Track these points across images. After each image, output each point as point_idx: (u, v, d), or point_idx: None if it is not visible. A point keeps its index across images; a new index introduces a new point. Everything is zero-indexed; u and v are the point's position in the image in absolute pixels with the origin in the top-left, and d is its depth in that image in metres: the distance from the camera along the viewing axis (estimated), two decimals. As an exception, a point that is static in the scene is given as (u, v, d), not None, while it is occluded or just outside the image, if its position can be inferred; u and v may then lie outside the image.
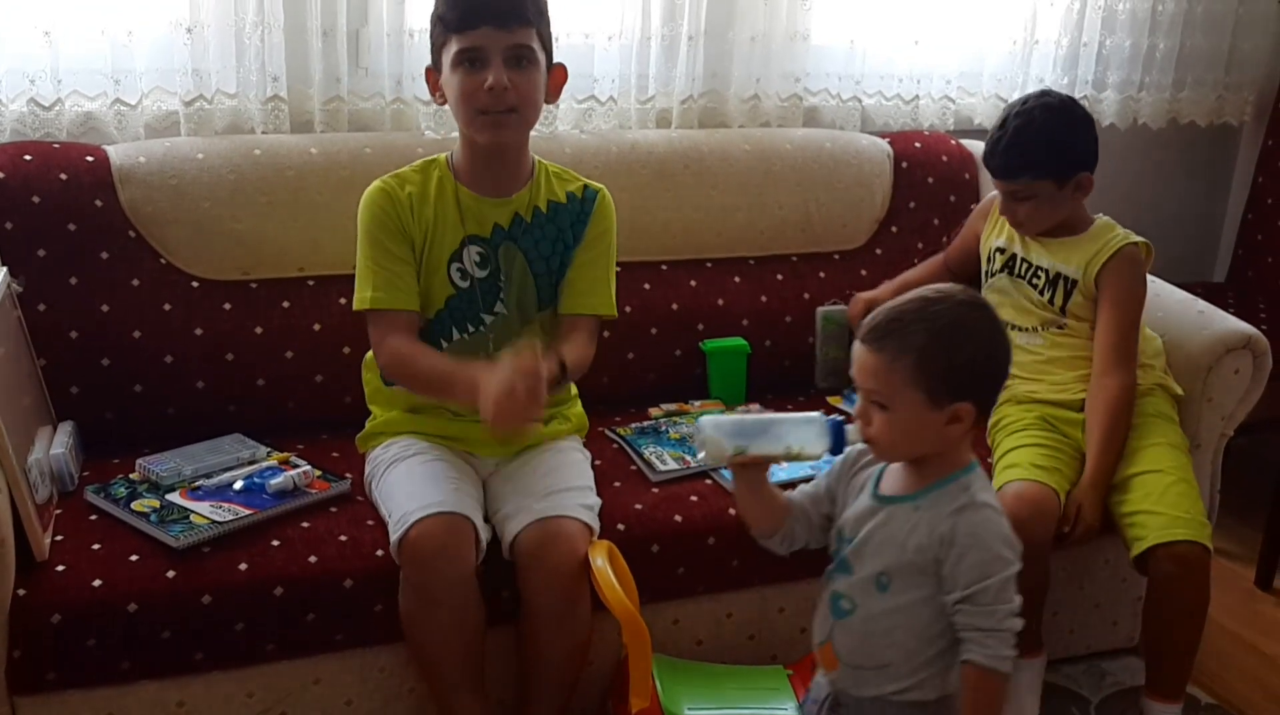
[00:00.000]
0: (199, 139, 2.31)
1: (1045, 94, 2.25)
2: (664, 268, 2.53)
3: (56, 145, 2.22)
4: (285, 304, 2.25)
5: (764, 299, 2.57)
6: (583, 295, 2.04)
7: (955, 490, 1.50)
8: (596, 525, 1.93)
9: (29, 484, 1.77)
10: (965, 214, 2.59)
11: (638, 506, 2.05)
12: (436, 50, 1.96)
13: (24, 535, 1.74)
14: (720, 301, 2.54)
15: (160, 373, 2.17)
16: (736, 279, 2.57)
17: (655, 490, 2.10)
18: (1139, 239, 2.24)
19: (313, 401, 2.26)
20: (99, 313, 2.14)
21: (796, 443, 1.54)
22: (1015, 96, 2.93)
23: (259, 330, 2.23)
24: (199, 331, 2.19)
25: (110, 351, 2.14)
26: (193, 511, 1.88)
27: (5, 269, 2.01)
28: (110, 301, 2.15)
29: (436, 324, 2.02)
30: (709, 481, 2.13)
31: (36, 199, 2.13)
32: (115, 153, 2.23)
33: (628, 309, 2.39)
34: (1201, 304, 2.39)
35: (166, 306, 2.18)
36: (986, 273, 2.37)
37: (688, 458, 2.17)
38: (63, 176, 2.16)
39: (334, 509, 1.98)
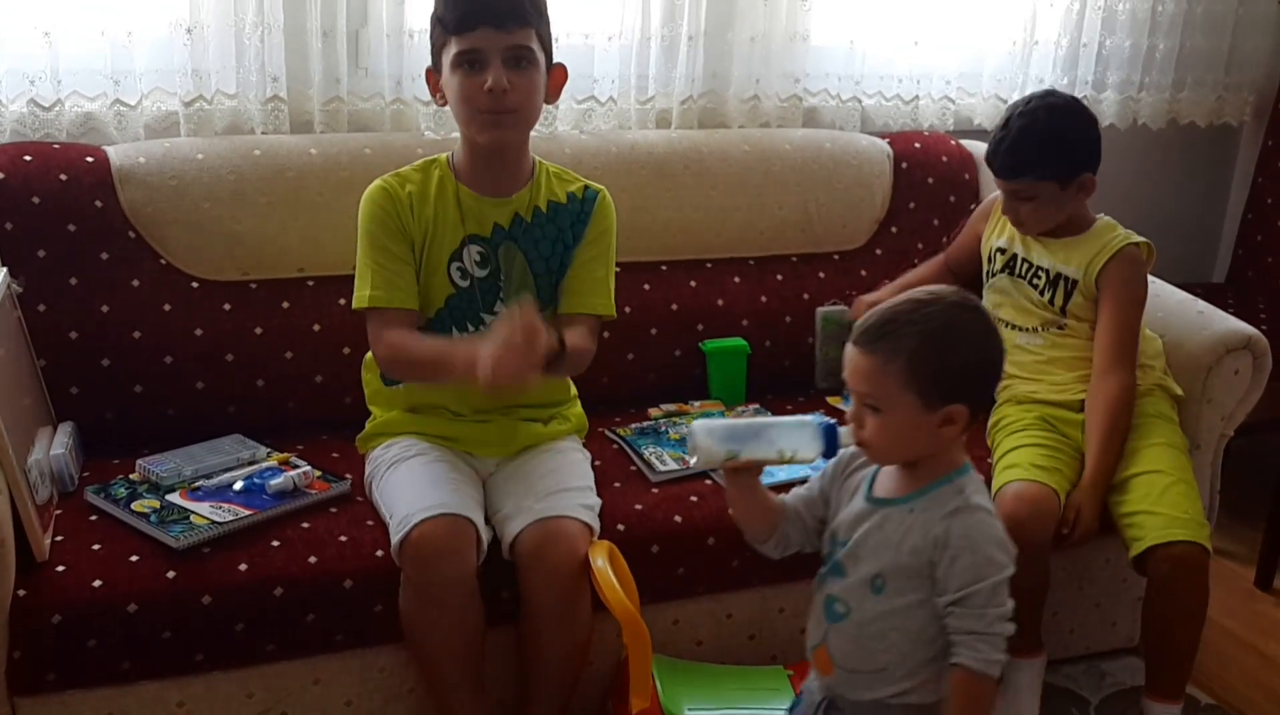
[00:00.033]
0: (199, 139, 2.31)
1: (1049, 94, 2.25)
2: (664, 268, 2.53)
3: (56, 146, 2.22)
4: (285, 304, 2.26)
5: (764, 299, 2.57)
6: (582, 294, 2.04)
7: (949, 492, 1.49)
8: (597, 525, 1.93)
9: (29, 484, 1.77)
10: (965, 214, 2.59)
11: (638, 507, 2.05)
12: (436, 51, 1.96)
13: (24, 536, 1.74)
14: (720, 302, 2.54)
15: (160, 373, 2.17)
16: (736, 279, 2.57)
17: (655, 490, 2.10)
18: (1140, 239, 2.24)
19: (313, 402, 2.26)
20: (99, 313, 2.14)
21: (789, 446, 1.53)
22: (1015, 97, 2.94)
23: (259, 331, 2.23)
24: (199, 332, 2.19)
25: (110, 352, 2.14)
26: (193, 512, 1.88)
27: (5, 269, 2.02)
28: (110, 302, 2.15)
29: (436, 323, 2.02)
30: (709, 482, 2.13)
31: (36, 199, 2.13)
32: (115, 153, 2.23)
33: (627, 309, 2.39)
34: (1201, 304, 2.39)
35: (166, 307, 2.18)
36: (987, 273, 2.37)
37: (688, 458, 2.17)
38: (63, 177, 2.16)
39: (334, 509, 1.98)
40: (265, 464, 2.05)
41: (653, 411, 2.40)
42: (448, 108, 1.98)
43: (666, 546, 2.02)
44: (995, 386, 1.54)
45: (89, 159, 2.20)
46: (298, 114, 2.41)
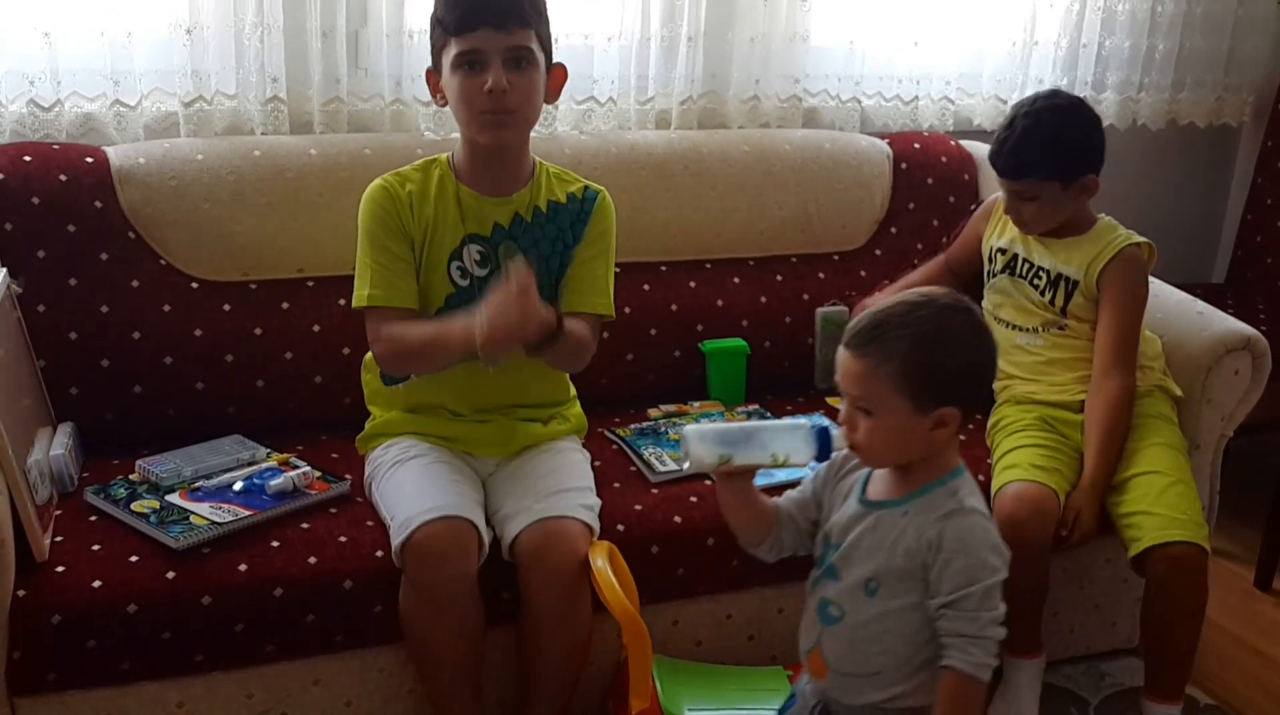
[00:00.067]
0: (198, 140, 2.31)
1: (1054, 94, 2.24)
2: (663, 268, 2.53)
3: (56, 146, 2.22)
4: (285, 305, 2.26)
5: (763, 300, 2.57)
6: (582, 294, 2.03)
7: (943, 495, 1.49)
8: (597, 526, 1.93)
9: (29, 485, 1.77)
10: (964, 215, 2.59)
11: (637, 507, 2.05)
12: (436, 52, 1.96)
13: (24, 536, 1.74)
14: (719, 302, 2.54)
15: (160, 374, 2.17)
16: (736, 280, 2.57)
17: (655, 491, 2.10)
18: (1141, 239, 2.24)
19: (312, 402, 2.26)
20: (99, 314, 2.14)
21: (782, 450, 1.53)
22: (1015, 97, 2.96)
23: (258, 331, 2.23)
24: (198, 332, 2.19)
25: (110, 352, 2.14)
26: (192, 512, 1.88)
27: (5, 270, 2.02)
28: (110, 302, 2.15)
29: (436, 323, 2.03)
30: (708, 482, 2.12)
31: (36, 200, 2.13)
32: (115, 154, 2.23)
33: (627, 310, 2.39)
34: (1201, 305, 2.39)
35: (166, 307, 2.18)
36: (988, 273, 2.37)
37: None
38: (62, 178, 2.16)
39: (334, 510, 1.98)
40: (265, 464, 2.05)
41: (652, 412, 2.40)
42: (448, 108, 1.98)
43: (666, 547, 2.02)
44: (988, 389, 1.54)
45: (89, 159, 2.20)
46: (297, 114, 2.41)
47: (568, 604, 1.86)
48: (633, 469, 2.18)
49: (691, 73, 2.66)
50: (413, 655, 1.90)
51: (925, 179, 2.75)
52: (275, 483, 1.96)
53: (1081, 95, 2.91)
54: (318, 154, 2.31)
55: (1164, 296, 2.41)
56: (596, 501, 1.98)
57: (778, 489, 1.71)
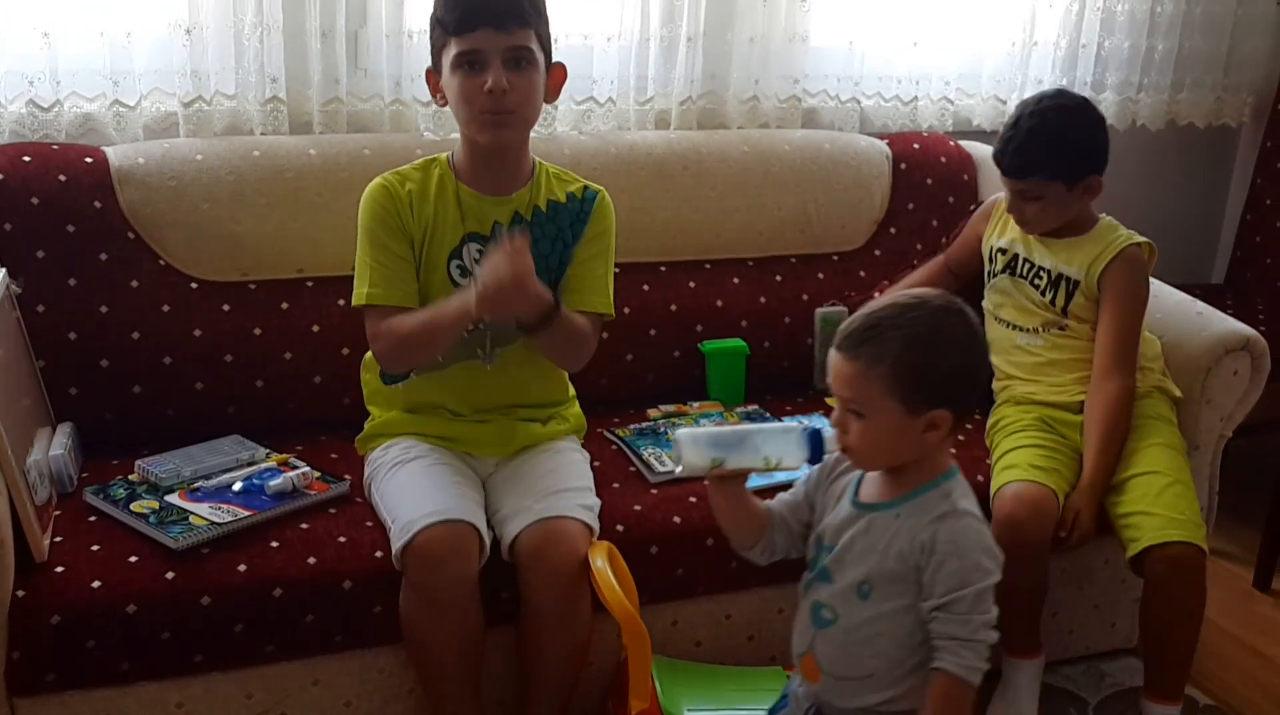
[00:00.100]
0: (198, 140, 2.31)
1: (1061, 94, 2.24)
2: (663, 269, 2.53)
3: (55, 147, 2.22)
4: (284, 305, 2.26)
5: (763, 300, 2.57)
6: (581, 293, 2.03)
7: (936, 497, 1.49)
8: (596, 526, 1.93)
9: (28, 485, 1.77)
10: (964, 215, 2.59)
11: (637, 508, 2.05)
12: (436, 52, 1.97)
13: (23, 537, 1.74)
14: (719, 302, 2.54)
15: (159, 374, 2.17)
16: (735, 280, 2.58)
17: (654, 491, 2.10)
18: (1142, 239, 2.24)
19: (312, 403, 2.26)
20: (98, 314, 2.14)
21: (774, 453, 1.53)
22: (1014, 98, 2.96)
23: (258, 331, 2.23)
24: (198, 333, 2.19)
25: (109, 353, 2.14)
26: (192, 513, 1.88)
27: (4, 270, 2.01)
28: (109, 303, 2.15)
29: (436, 322, 2.02)
30: (708, 482, 2.12)
31: (35, 200, 2.13)
32: (114, 154, 2.23)
33: (626, 310, 2.39)
34: (1200, 305, 2.39)
35: (165, 308, 2.18)
36: (989, 273, 2.37)
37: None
38: (62, 178, 2.16)
39: (333, 510, 1.98)
40: (264, 465, 2.05)
41: (651, 412, 2.40)
42: (448, 108, 1.98)
43: (666, 547, 2.02)
44: (980, 391, 1.53)
45: (88, 160, 2.20)
46: (297, 115, 2.41)
47: (567, 604, 1.86)
48: (632, 469, 2.18)
49: (691, 73, 2.66)
50: (412, 657, 1.90)
51: (924, 179, 2.75)
52: (274, 483, 1.96)
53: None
54: (317, 154, 2.31)
55: (1163, 297, 2.41)
56: (596, 501, 1.98)
57: (770, 491, 1.71)
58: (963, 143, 2.85)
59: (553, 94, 2.04)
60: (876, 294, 2.46)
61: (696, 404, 2.44)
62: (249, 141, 2.32)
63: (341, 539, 1.90)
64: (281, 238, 2.26)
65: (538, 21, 1.95)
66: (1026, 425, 2.22)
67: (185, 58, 2.30)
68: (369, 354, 2.07)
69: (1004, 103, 2.98)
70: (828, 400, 2.50)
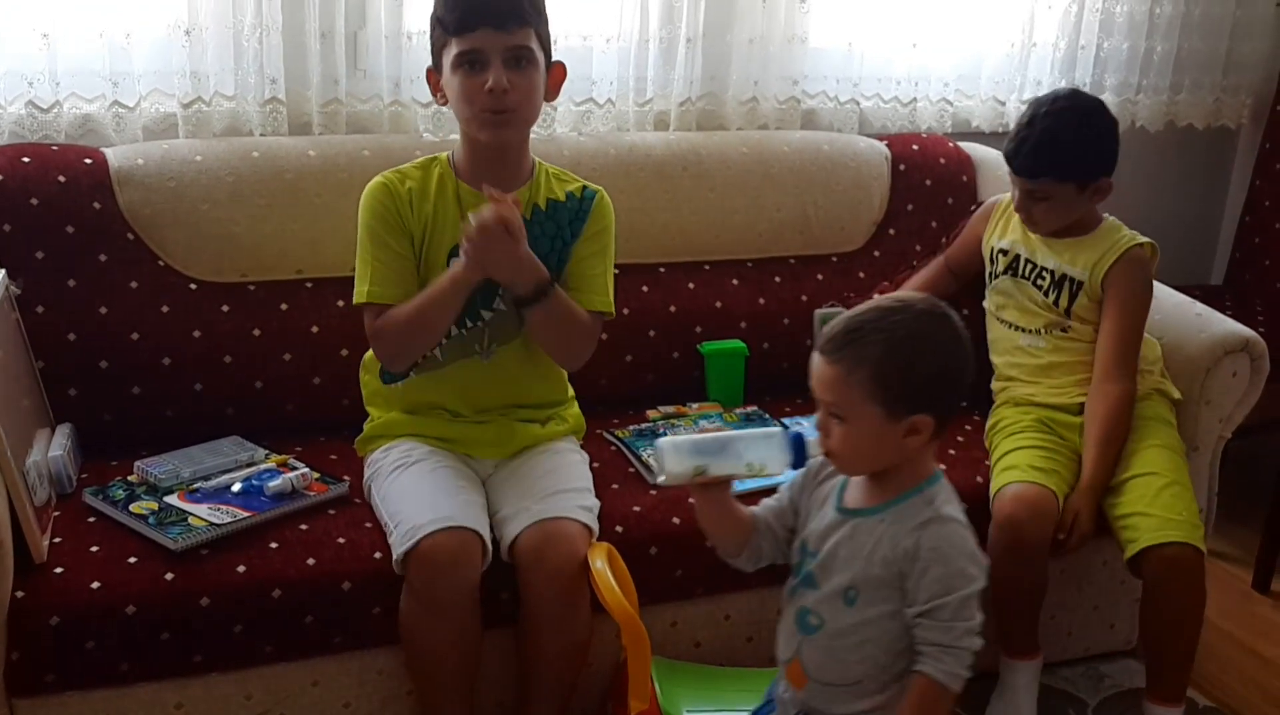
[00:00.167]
0: (197, 141, 2.31)
1: (1075, 94, 2.23)
2: (662, 270, 2.53)
3: (55, 147, 2.22)
4: (283, 306, 2.25)
5: (762, 301, 2.57)
6: (580, 291, 2.03)
7: (920, 503, 1.48)
8: (596, 527, 1.93)
9: (27, 486, 1.77)
10: (963, 216, 2.58)
11: (636, 509, 2.05)
12: (436, 52, 1.97)
13: (22, 538, 1.74)
14: (718, 303, 2.54)
15: (158, 375, 2.16)
16: (734, 281, 2.58)
17: (653, 492, 2.10)
18: (1145, 240, 2.23)
19: (311, 403, 2.26)
20: (97, 315, 2.14)
21: (757, 459, 1.52)
22: (1013, 99, 2.96)
23: (257, 332, 2.23)
24: (197, 333, 2.19)
25: (108, 354, 2.14)
26: (191, 514, 1.88)
27: (4, 271, 2.01)
28: (108, 304, 2.15)
29: (435, 319, 2.02)
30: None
31: (35, 201, 2.12)
32: (113, 155, 2.23)
33: (626, 311, 2.39)
34: (1199, 307, 2.39)
35: (165, 309, 2.18)
36: (990, 274, 2.36)
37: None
38: (61, 179, 2.16)
39: (332, 511, 1.98)
40: (263, 466, 2.05)
41: (651, 413, 2.39)
42: (448, 107, 1.99)
43: (665, 548, 2.02)
44: (963, 397, 1.50)
45: (87, 161, 2.20)
46: (296, 116, 2.41)
47: (567, 605, 1.86)
48: (631, 470, 2.18)
49: (690, 74, 2.66)
50: (410, 660, 1.90)
51: (924, 180, 2.75)
52: (274, 484, 1.96)
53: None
54: (316, 155, 2.31)
55: (1162, 298, 2.41)
56: (595, 502, 1.98)
57: (754, 496, 1.70)
58: (962, 144, 2.85)
59: (553, 93, 2.04)
60: (876, 295, 2.46)
61: (696, 405, 2.44)
62: (248, 142, 2.32)
63: (341, 540, 1.90)
64: (281, 239, 2.26)
65: (538, 21, 1.95)
66: (1026, 426, 2.22)
67: (184, 59, 2.30)
68: (368, 354, 2.07)
69: (1003, 104, 2.99)
70: (827, 401, 2.50)
